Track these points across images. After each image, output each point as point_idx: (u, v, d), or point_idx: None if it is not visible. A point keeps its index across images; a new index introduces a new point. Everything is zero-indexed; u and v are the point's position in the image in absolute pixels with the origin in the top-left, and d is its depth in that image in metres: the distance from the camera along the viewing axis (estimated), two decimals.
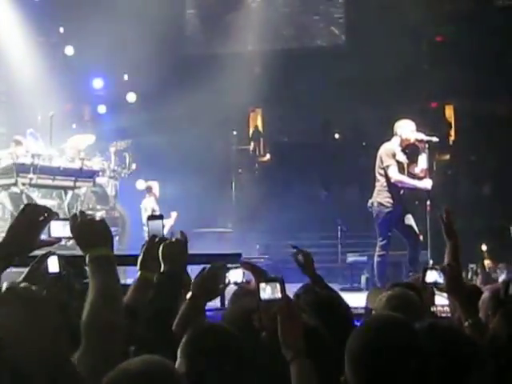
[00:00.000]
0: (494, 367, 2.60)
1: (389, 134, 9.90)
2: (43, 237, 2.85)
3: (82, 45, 18.30)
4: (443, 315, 5.16)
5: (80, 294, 2.98)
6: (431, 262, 9.11)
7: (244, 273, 3.99)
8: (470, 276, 13.13)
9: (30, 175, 12.08)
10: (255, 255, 15.22)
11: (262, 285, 2.83)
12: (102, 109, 19.51)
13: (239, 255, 7.24)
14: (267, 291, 2.82)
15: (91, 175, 13.43)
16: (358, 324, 2.80)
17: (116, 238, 12.74)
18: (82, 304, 2.56)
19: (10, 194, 12.28)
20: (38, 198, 12.62)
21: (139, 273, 3.47)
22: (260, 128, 21.72)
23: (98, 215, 13.26)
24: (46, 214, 2.80)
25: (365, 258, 13.59)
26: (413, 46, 18.70)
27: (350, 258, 14.65)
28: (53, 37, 19.14)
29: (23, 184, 12.13)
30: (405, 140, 9.65)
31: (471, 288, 4.39)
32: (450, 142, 20.40)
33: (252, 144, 21.25)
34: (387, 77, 17.62)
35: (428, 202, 9.56)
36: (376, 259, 9.77)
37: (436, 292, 4.53)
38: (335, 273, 13.82)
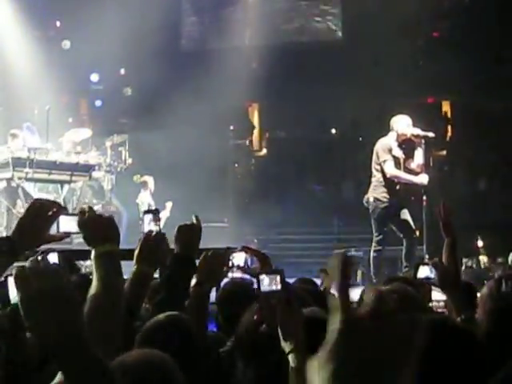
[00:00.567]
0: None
1: (385, 130, 9.91)
2: (52, 231, 2.86)
3: (78, 39, 18.29)
4: (439, 310, 5.17)
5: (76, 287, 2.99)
6: (427, 256, 9.13)
7: (246, 258, 4.01)
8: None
9: (27, 169, 12.08)
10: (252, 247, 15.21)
11: (262, 276, 2.84)
12: (98, 103, 19.50)
13: (236, 249, 7.22)
14: (267, 283, 2.82)
15: (87, 169, 13.42)
16: None
17: None
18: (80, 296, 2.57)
19: (6, 188, 12.28)
20: (35, 192, 12.61)
21: (135, 267, 3.46)
22: (256, 123, 21.73)
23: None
24: (54, 209, 2.81)
25: (361, 253, 13.59)
26: (409, 41, 18.72)
27: (346, 253, 14.65)
28: (50, 31, 19.13)
29: (19, 178, 12.13)
30: (401, 135, 9.65)
31: (464, 284, 4.40)
32: (447, 138, 20.41)
33: (248, 139, 21.26)
34: (384, 72, 17.63)
35: (424, 197, 9.56)
36: (372, 254, 9.78)
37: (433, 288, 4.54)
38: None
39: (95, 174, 14.13)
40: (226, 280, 4.19)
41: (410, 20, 18.51)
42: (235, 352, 3.22)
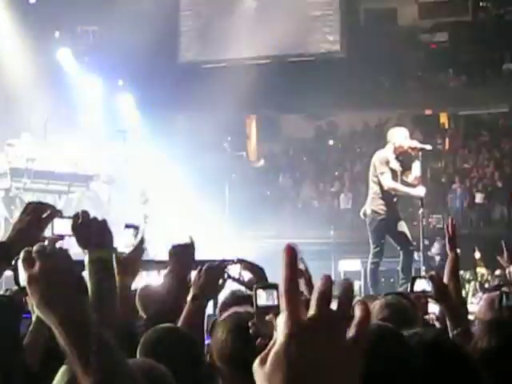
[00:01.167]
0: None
1: (383, 142, 9.92)
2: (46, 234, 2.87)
3: (77, 49, 18.30)
4: (436, 323, 5.17)
5: None
6: (423, 268, 9.13)
7: (241, 271, 4.00)
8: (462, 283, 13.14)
9: (25, 179, 12.07)
10: (248, 259, 15.19)
11: (259, 291, 2.83)
12: (97, 113, 19.47)
13: (232, 261, 7.22)
14: (264, 298, 2.82)
15: (85, 180, 13.42)
16: None
17: None
18: None
19: (3, 198, 12.26)
20: None
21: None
22: (254, 134, 21.76)
23: None
24: (49, 212, 2.82)
25: (358, 265, 13.59)
26: (407, 53, 18.76)
27: (344, 264, 14.66)
28: (48, 41, 19.12)
29: (17, 188, 12.12)
30: (398, 147, 9.65)
31: (460, 298, 4.40)
32: (444, 150, 20.44)
33: (246, 150, 21.29)
34: (381, 84, 17.67)
35: (421, 210, 9.57)
36: (369, 266, 9.76)
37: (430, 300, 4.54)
38: None
39: (93, 185, 14.12)
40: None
41: (408, 32, 18.58)
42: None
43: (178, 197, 16.33)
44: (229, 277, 3.90)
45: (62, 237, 2.90)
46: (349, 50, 19.93)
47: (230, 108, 17.70)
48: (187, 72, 19.51)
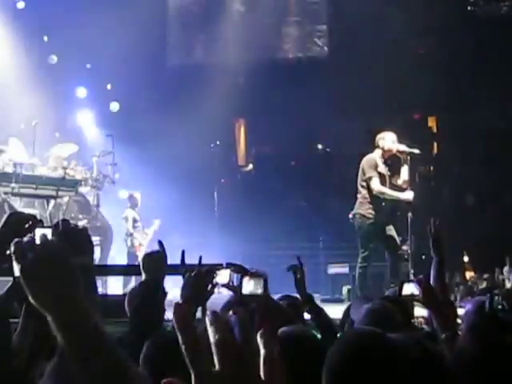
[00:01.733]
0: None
1: (371, 145, 9.95)
2: None
3: (65, 54, 18.26)
4: (423, 326, 5.18)
5: None
6: (412, 271, 9.16)
7: (231, 275, 4.00)
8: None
9: (13, 184, 12.02)
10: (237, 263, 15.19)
11: (246, 279, 2.83)
12: (85, 117, 19.43)
13: (221, 265, 7.21)
14: (249, 286, 2.81)
15: (73, 184, 13.37)
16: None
17: (97, 248, 12.72)
18: None
19: None
20: (20, 207, 12.56)
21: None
22: (242, 138, 21.74)
23: (80, 224, 13.21)
24: (30, 222, 2.82)
25: (347, 270, 13.61)
26: (395, 57, 18.77)
27: (332, 269, 14.67)
28: (37, 45, 19.07)
29: (5, 193, 12.08)
30: (387, 151, 9.70)
31: (447, 301, 4.42)
32: (433, 154, 20.47)
33: (234, 154, 21.29)
34: (370, 88, 17.69)
35: (410, 214, 9.60)
36: (358, 270, 9.79)
37: (416, 304, 4.55)
38: (317, 284, 13.81)
39: (81, 189, 14.09)
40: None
41: (395, 36, 18.61)
42: None
43: (166, 201, 16.31)
44: (217, 283, 3.90)
45: None
46: (337, 53, 19.94)
47: (219, 112, 17.68)
48: (174, 76, 19.48)
